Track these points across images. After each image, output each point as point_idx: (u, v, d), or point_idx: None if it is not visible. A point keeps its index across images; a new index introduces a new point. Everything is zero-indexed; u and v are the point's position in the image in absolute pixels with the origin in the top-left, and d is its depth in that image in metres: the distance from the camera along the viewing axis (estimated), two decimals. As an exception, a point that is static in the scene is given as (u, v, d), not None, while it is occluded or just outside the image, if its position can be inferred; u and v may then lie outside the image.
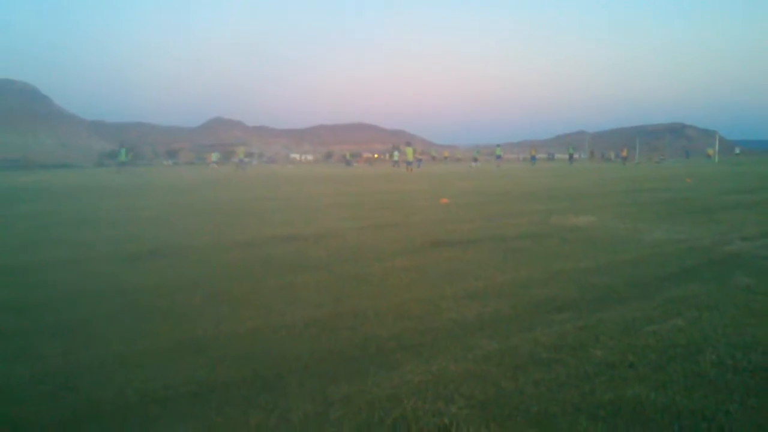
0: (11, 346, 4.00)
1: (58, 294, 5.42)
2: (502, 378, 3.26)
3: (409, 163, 45.70)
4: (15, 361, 3.66)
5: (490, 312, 4.57)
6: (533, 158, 62.55)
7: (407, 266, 6.43)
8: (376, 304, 4.85)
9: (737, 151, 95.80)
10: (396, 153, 62.66)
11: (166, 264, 6.83)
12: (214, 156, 74.89)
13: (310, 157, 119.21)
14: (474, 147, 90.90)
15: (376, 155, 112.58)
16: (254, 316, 4.53)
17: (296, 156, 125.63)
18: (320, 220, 11.01)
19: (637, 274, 5.88)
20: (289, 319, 4.45)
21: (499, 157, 63.55)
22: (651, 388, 3.09)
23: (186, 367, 3.51)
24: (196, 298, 5.16)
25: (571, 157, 66.02)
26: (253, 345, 3.90)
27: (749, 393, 3.04)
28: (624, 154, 65.13)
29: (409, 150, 47.02)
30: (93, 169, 58.71)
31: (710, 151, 74.69)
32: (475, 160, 66.28)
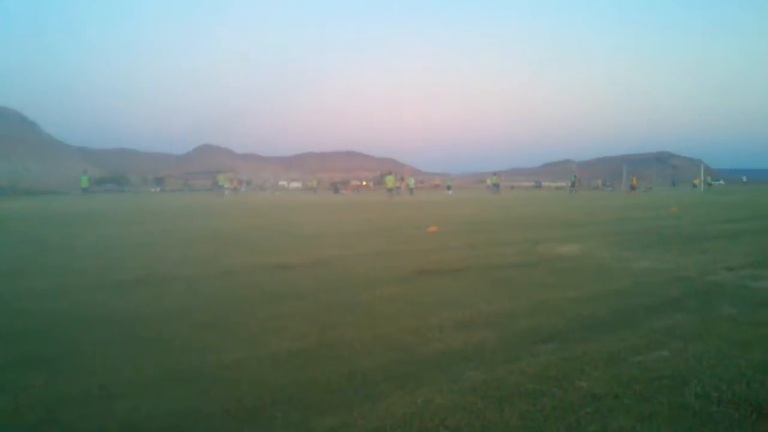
0: (-8, 376, 3.94)
1: (42, 323, 5.36)
2: (488, 410, 3.25)
3: (389, 191, 47.19)
4: (-4, 392, 3.61)
5: (477, 342, 4.57)
6: (496, 185, 61.44)
7: (394, 295, 6.42)
8: (362, 334, 4.83)
9: (744, 179, 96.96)
10: (411, 180, 64.26)
11: (153, 293, 6.78)
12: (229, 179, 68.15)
13: (298, 185, 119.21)
14: (447, 176, 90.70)
15: (364, 183, 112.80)
16: (239, 347, 4.50)
17: (284, 183, 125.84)
18: (307, 248, 10.98)
19: (623, 304, 5.90)
20: (274, 349, 4.43)
21: (495, 185, 62.52)
22: (636, 420, 3.10)
23: (170, 397, 3.48)
24: (181, 327, 5.12)
25: (573, 184, 64.04)
26: (237, 375, 3.87)
27: (733, 425, 3.05)
28: (634, 182, 63.22)
29: (389, 178, 49.18)
30: (80, 195, 58.32)
31: (708, 180, 75.30)
32: (449, 188, 66.16)
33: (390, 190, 48.28)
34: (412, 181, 65.12)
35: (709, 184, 74.55)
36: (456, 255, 9.67)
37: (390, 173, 52.99)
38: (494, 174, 65.08)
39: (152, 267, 8.54)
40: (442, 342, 4.58)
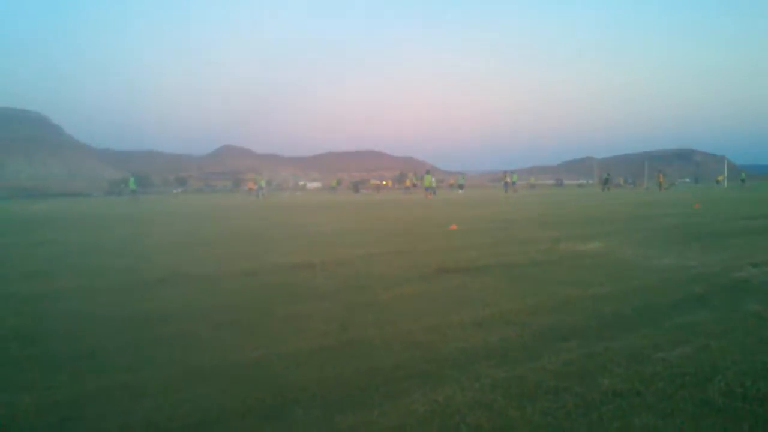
0: (19, 375, 4.01)
1: (67, 322, 5.44)
2: (510, 407, 3.24)
3: (428, 189, 47.84)
4: (22, 391, 3.66)
5: (498, 340, 4.55)
6: (506, 185, 59.27)
7: (414, 294, 6.42)
8: (383, 332, 4.84)
9: None
10: (431, 179, 64.12)
11: (174, 293, 6.84)
12: (263, 181, 63.34)
13: (318, 185, 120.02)
14: (459, 174, 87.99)
15: (384, 182, 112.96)
16: (260, 345, 4.53)
17: (303, 183, 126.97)
18: (328, 247, 11.02)
19: (646, 301, 5.84)
20: (295, 347, 4.45)
21: (514, 183, 61.01)
22: (659, 417, 3.07)
23: (192, 396, 3.51)
24: (202, 327, 5.17)
25: (606, 181, 61.60)
26: (259, 374, 3.90)
27: (758, 422, 3.02)
28: (661, 179, 61.66)
29: (428, 177, 49.73)
30: (104, 197, 59.14)
31: (742, 175, 74.28)
32: (461, 187, 64.98)
33: (428, 188, 48.89)
34: (434, 181, 64.89)
35: (742, 180, 72.87)
36: (477, 253, 9.63)
37: (428, 172, 53.56)
38: (512, 172, 63.54)
39: (179, 266, 8.62)
40: (462, 340, 4.57)
